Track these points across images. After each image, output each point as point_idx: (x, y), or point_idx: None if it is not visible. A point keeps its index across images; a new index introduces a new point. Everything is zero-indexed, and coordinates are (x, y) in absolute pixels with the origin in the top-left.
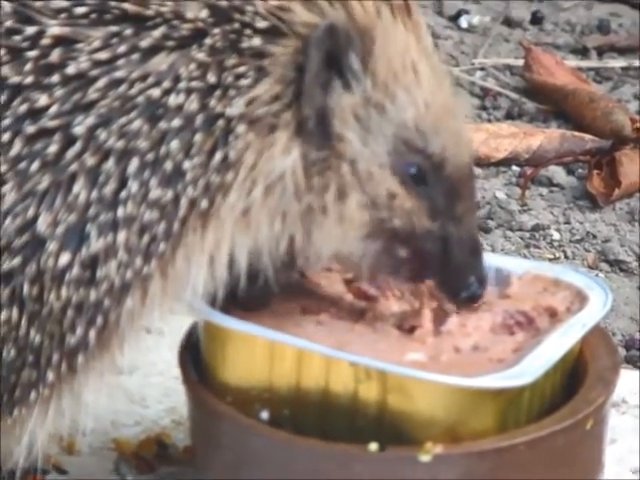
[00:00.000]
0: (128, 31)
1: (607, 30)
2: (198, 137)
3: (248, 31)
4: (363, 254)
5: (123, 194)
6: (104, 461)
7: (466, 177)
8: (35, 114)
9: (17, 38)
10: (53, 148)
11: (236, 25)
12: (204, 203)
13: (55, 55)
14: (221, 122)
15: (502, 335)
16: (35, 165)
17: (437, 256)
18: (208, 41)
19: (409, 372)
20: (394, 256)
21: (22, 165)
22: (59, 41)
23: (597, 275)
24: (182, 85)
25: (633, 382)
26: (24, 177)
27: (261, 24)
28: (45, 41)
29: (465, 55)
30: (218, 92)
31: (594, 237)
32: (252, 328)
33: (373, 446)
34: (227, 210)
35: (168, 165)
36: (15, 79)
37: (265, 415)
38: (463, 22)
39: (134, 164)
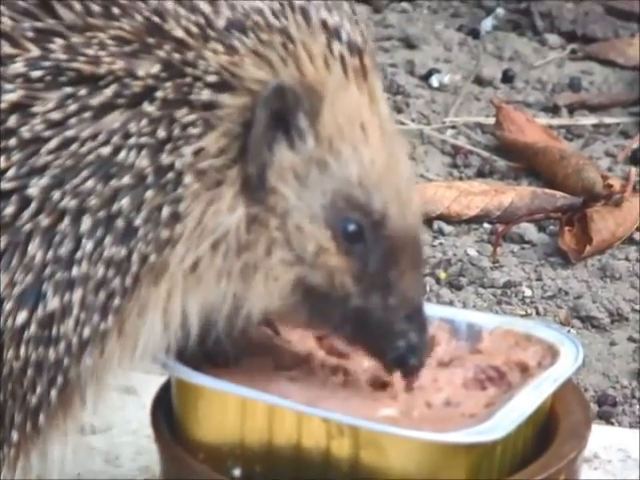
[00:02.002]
0: (82, 91)
1: (578, 88)
2: (149, 193)
3: (199, 84)
4: (293, 311)
5: (78, 254)
6: None
7: (408, 240)
8: None
9: None
10: (10, 210)
11: (188, 79)
12: (153, 257)
13: (12, 120)
14: (171, 175)
15: (474, 390)
16: None
17: (359, 320)
18: (159, 94)
19: (381, 428)
20: (320, 315)
21: None
22: (15, 107)
23: (569, 331)
24: (132, 141)
25: (605, 437)
26: None
27: (211, 78)
28: (3, 106)
29: (436, 114)
30: (169, 146)
31: (566, 294)
32: (223, 385)
33: None
34: (176, 264)
35: (120, 223)
36: None
37: (237, 472)
38: (434, 81)
39: (87, 223)
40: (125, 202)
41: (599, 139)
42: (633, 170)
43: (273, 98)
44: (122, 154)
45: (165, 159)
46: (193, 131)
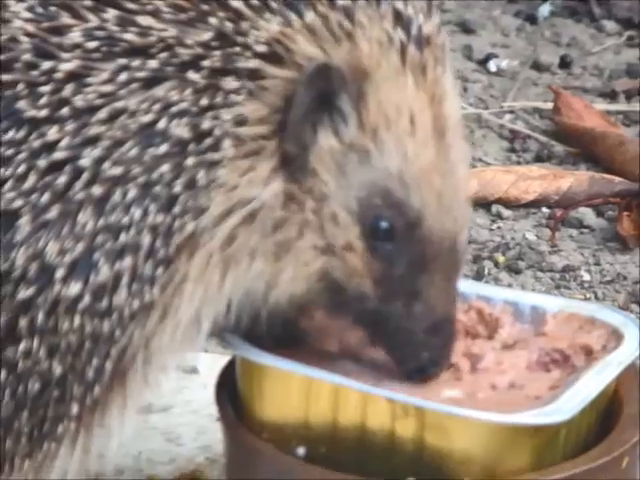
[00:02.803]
0: (135, 62)
1: (636, 74)
2: (189, 161)
3: (248, 53)
4: (315, 300)
5: (126, 221)
6: None
7: (444, 247)
8: (48, 148)
9: (34, 73)
10: (62, 180)
11: (237, 48)
12: (191, 226)
13: (68, 90)
14: (209, 140)
15: (538, 373)
16: (46, 197)
17: (379, 323)
18: (206, 63)
19: (447, 409)
20: (340, 309)
21: (35, 197)
22: (71, 76)
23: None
24: (174, 109)
25: None
26: (37, 210)
27: (261, 47)
28: (58, 75)
29: (494, 98)
30: (210, 113)
31: (624, 278)
32: (288, 365)
33: None
34: (209, 235)
35: (162, 190)
36: (30, 113)
37: (301, 452)
38: (492, 66)
39: (133, 191)
40: (165, 170)
41: None
42: None
43: (317, 77)
44: (162, 122)
45: (205, 125)
46: (236, 98)
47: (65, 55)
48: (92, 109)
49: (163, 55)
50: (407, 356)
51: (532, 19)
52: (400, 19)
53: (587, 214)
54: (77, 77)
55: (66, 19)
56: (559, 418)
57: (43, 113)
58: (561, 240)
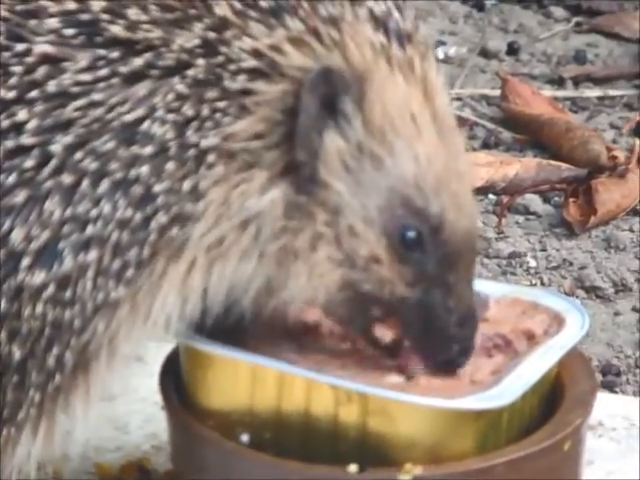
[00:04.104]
0: (115, 54)
1: (583, 60)
2: (170, 165)
3: (233, 67)
4: (337, 309)
5: (94, 213)
6: None
7: (465, 244)
8: (16, 129)
9: (6, 55)
10: (30, 163)
11: (221, 59)
12: (175, 231)
13: (40, 72)
14: (193, 151)
15: (480, 358)
16: (12, 179)
17: (412, 323)
18: (191, 72)
19: (390, 394)
20: (368, 317)
21: (1, 178)
22: (45, 59)
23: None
24: (158, 114)
25: (609, 405)
26: (3, 191)
27: (248, 62)
28: (31, 59)
29: None
30: (195, 124)
31: (570, 264)
32: (233, 352)
33: (353, 467)
34: (198, 239)
35: (138, 188)
36: (1, 93)
37: (246, 438)
38: (440, 53)
39: (106, 185)
40: (145, 170)
41: (604, 111)
42: (638, 142)
43: (320, 82)
44: (146, 124)
45: (190, 136)
46: (224, 117)
47: (39, 39)
48: (66, 95)
49: (148, 55)
50: (440, 349)
51: (480, 6)
52: (378, 21)
53: (534, 200)
54: (51, 61)
55: (44, 1)
56: (500, 402)
57: (12, 94)
58: (507, 227)
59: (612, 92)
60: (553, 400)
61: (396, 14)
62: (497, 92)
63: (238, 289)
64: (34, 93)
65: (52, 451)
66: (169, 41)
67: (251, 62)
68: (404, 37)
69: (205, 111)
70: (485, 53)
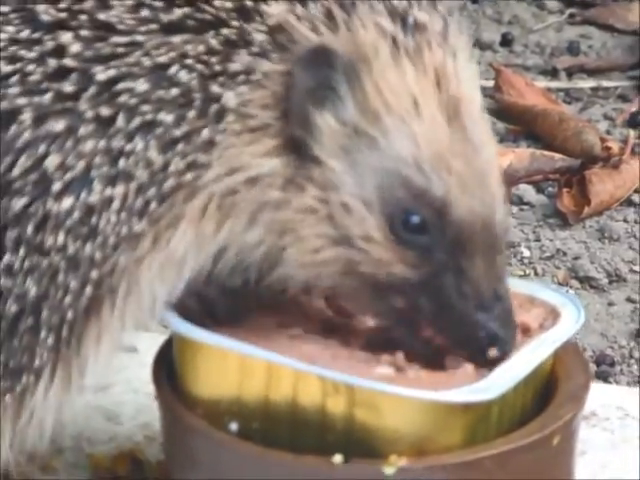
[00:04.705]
0: (157, 3)
1: (577, 52)
2: (192, 113)
3: (258, 39)
4: (341, 289)
5: (127, 148)
6: (79, 477)
7: (481, 229)
8: (59, 51)
9: None
10: (69, 88)
11: (254, 26)
12: (190, 176)
13: (89, 3)
14: (216, 106)
15: None
16: (50, 98)
17: (429, 312)
18: (225, 31)
19: (376, 386)
20: (374, 299)
21: (39, 98)
22: None
23: (567, 292)
24: (188, 62)
25: (603, 395)
26: (40, 112)
27: (264, 37)
28: None
29: None
30: (221, 79)
31: (564, 254)
32: (222, 341)
33: (338, 458)
34: (211, 185)
35: (162, 132)
36: (46, 17)
37: (234, 427)
38: None
39: (137, 123)
40: (168, 114)
41: (597, 102)
42: (631, 133)
43: (312, 59)
44: (174, 69)
45: (214, 89)
46: (244, 83)
47: None
48: (111, 29)
49: (188, 8)
50: (469, 340)
51: None
52: (391, 9)
53: (527, 191)
54: None
55: None
56: (489, 396)
57: (60, 16)
58: None
59: (606, 83)
60: (547, 394)
61: (415, 8)
62: (491, 83)
63: (245, 252)
64: (82, 18)
65: (69, 399)
66: None
67: (271, 38)
68: (416, 26)
69: (231, 69)
70: (479, 44)
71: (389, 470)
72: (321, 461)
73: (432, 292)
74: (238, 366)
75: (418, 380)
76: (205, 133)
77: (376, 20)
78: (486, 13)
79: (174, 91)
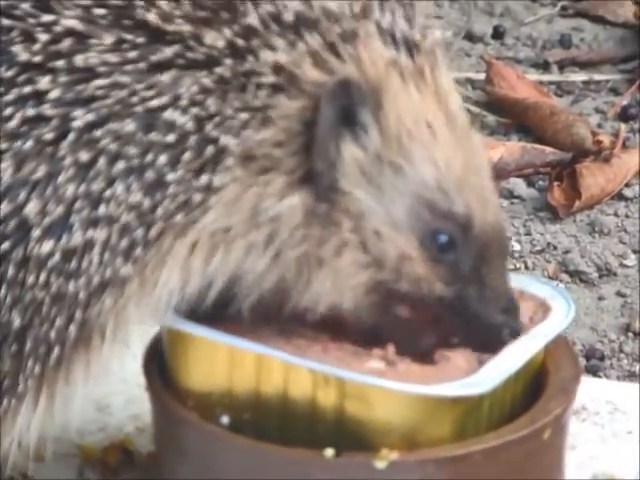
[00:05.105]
0: (140, 40)
1: (568, 44)
2: (187, 155)
3: (256, 79)
4: (365, 312)
5: (107, 193)
6: (69, 467)
7: (494, 235)
8: (37, 97)
9: (32, 21)
10: (49, 135)
11: (247, 66)
12: (180, 217)
13: (66, 44)
14: (212, 148)
15: None
16: (29, 145)
17: (456, 318)
18: (218, 70)
19: (367, 379)
20: (400, 318)
21: (19, 144)
22: (71, 33)
23: (557, 286)
24: (182, 104)
25: (593, 389)
26: (19, 158)
27: (269, 77)
28: (58, 28)
29: None
30: (216, 120)
31: (555, 248)
32: (213, 333)
33: (329, 452)
34: (203, 226)
35: (151, 174)
36: (24, 57)
37: (225, 420)
38: None
39: (121, 167)
40: (161, 158)
41: (589, 95)
42: (622, 127)
43: (338, 93)
44: (168, 112)
45: (210, 131)
46: (245, 125)
47: (67, 12)
48: (90, 71)
49: (177, 46)
50: (495, 341)
51: None
52: (386, 34)
53: (518, 184)
54: (78, 35)
55: None
56: (479, 390)
57: (37, 59)
58: None
59: (597, 76)
60: (538, 388)
61: (403, 24)
62: (482, 76)
63: (245, 282)
64: (59, 63)
65: (52, 423)
66: (199, 37)
67: (272, 77)
68: (413, 48)
69: (228, 111)
70: (470, 37)
71: (380, 464)
72: (312, 454)
73: (459, 302)
74: (228, 358)
75: (409, 374)
76: (203, 177)
77: (378, 47)
78: (478, 5)
79: (169, 137)
